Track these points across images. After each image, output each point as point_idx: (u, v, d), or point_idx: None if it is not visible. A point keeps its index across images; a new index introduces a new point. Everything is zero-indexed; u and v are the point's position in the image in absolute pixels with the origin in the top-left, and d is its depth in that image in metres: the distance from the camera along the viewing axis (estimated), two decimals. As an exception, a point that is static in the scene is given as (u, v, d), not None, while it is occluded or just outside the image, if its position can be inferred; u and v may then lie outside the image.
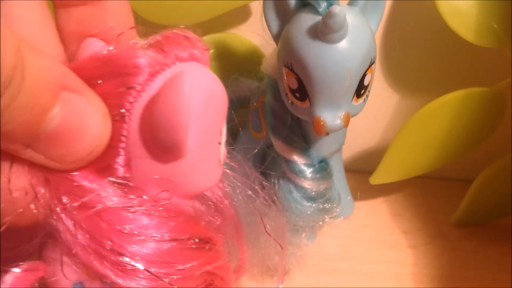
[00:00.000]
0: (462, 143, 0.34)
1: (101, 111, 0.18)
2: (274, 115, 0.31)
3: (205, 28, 0.36)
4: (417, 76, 0.38)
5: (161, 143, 0.18)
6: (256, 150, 0.32)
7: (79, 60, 0.19)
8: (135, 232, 0.18)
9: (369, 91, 0.29)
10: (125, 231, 0.18)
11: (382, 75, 0.38)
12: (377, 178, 0.36)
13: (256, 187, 0.25)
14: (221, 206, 0.22)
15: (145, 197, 0.19)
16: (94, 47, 0.20)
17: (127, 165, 0.18)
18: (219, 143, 0.20)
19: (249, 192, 0.24)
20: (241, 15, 0.37)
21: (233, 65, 0.36)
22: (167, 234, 0.19)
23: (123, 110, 0.18)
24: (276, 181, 0.32)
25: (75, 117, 0.17)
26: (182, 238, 0.19)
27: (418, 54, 0.38)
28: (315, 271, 0.33)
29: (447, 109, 0.33)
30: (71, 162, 0.18)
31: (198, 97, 0.18)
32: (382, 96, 0.39)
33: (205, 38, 0.36)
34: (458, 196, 0.36)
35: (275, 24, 0.29)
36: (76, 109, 0.17)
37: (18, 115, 0.15)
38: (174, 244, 0.19)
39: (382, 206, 0.38)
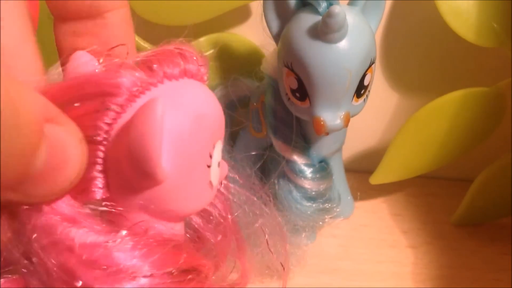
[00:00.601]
0: (462, 143, 0.34)
1: (78, 138, 0.17)
2: (274, 115, 0.31)
3: (205, 28, 0.36)
4: (417, 76, 0.39)
5: (136, 169, 0.17)
6: (256, 150, 0.32)
7: (58, 84, 0.18)
8: (111, 270, 0.17)
9: (369, 91, 0.29)
10: (99, 269, 0.17)
11: (382, 75, 0.38)
12: (377, 178, 0.36)
13: (256, 187, 0.25)
14: (222, 220, 0.22)
15: (123, 232, 0.18)
16: (82, 61, 0.19)
17: (106, 187, 0.18)
18: (208, 166, 0.19)
19: (248, 193, 0.24)
20: (241, 15, 0.37)
21: (233, 65, 0.36)
22: (147, 269, 0.17)
23: (100, 132, 0.17)
24: (276, 181, 0.32)
25: (58, 151, 0.16)
26: (164, 271, 0.18)
27: (418, 54, 0.38)
28: (315, 270, 0.33)
29: (447, 109, 0.33)
30: (51, 195, 0.17)
31: (176, 123, 0.18)
32: (382, 96, 0.39)
33: (205, 38, 0.36)
34: (458, 196, 0.36)
35: (275, 24, 0.29)
36: (58, 141, 0.16)
37: (8, 160, 0.14)
38: (156, 280, 0.18)
39: (382, 206, 0.38)
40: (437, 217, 0.37)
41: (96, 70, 0.19)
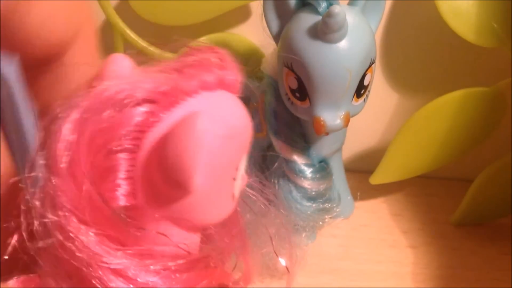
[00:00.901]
0: (462, 143, 0.34)
1: None
2: (274, 115, 0.31)
3: (205, 28, 0.36)
4: (417, 76, 0.38)
5: (168, 180, 0.17)
6: (256, 150, 0.32)
7: (98, 89, 0.18)
8: None
9: (369, 91, 0.29)
10: None
11: (382, 75, 0.38)
12: (377, 178, 0.36)
13: (257, 187, 0.25)
14: (229, 220, 0.22)
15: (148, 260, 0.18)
16: (121, 64, 0.19)
17: (132, 194, 0.18)
18: (234, 179, 0.20)
19: (250, 193, 0.24)
20: (241, 15, 0.37)
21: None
22: None
23: (130, 139, 0.17)
24: (276, 181, 0.32)
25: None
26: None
27: (418, 54, 0.38)
28: (315, 270, 0.32)
29: (447, 109, 0.33)
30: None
31: (213, 138, 0.18)
32: (382, 96, 0.39)
33: (205, 38, 0.36)
34: (458, 196, 0.36)
35: (275, 24, 0.29)
36: None
37: None
38: None
39: (382, 206, 0.38)
40: (437, 217, 0.37)
41: (134, 75, 0.19)
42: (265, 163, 0.32)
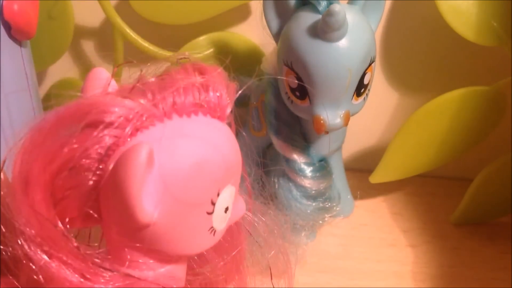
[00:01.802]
0: (462, 142, 0.34)
1: None
2: (274, 114, 0.31)
3: (205, 27, 0.36)
4: (417, 75, 0.39)
5: (120, 210, 0.17)
6: (256, 150, 0.32)
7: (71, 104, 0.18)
8: None
9: (369, 89, 0.29)
10: None
11: (382, 73, 0.38)
12: (377, 177, 0.36)
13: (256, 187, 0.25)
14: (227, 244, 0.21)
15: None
16: (100, 78, 0.19)
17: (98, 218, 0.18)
18: (209, 213, 0.18)
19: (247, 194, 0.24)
20: (241, 14, 0.37)
21: (232, 64, 0.36)
22: None
23: (94, 162, 0.17)
24: (276, 180, 0.32)
25: None
26: None
27: (418, 53, 0.38)
28: (315, 269, 0.32)
29: (447, 108, 0.33)
30: None
31: (171, 168, 0.17)
32: (382, 95, 0.39)
33: (204, 37, 0.36)
34: (458, 195, 0.36)
35: (275, 23, 0.29)
36: None
37: None
38: None
39: (382, 205, 0.38)
40: (437, 216, 0.37)
41: (109, 94, 0.18)
42: (264, 162, 0.32)
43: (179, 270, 0.20)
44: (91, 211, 0.17)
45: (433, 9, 0.32)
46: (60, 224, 0.17)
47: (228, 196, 0.19)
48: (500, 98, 0.33)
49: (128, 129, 0.17)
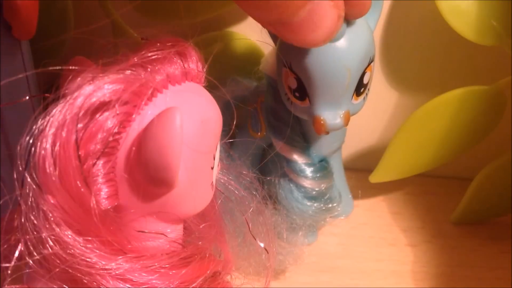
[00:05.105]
0: (461, 141, 0.34)
1: (338, 14, 0.22)
2: (273, 115, 0.31)
3: (203, 26, 0.36)
4: (416, 74, 0.38)
5: (151, 179, 0.17)
6: (255, 150, 0.32)
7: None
8: None
9: (368, 89, 0.29)
10: None
11: (382, 73, 0.38)
12: (377, 176, 0.36)
13: (251, 187, 0.25)
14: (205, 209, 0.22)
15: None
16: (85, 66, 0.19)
17: (113, 196, 0.18)
18: (212, 168, 0.20)
19: (243, 194, 0.24)
20: (240, 14, 0.37)
21: (231, 65, 0.36)
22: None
23: (108, 142, 0.17)
24: (276, 181, 0.32)
25: (317, 14, 0.21)
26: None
27: (417, 52, 0.38)
28: (315, 269, 0.33)
29: (446, 108, 0.33)
30: (299, 42, 0.22)
31: (191, 130, 0.18)
32: (382, 95, 0.39)
33: (203, 37, 0.36)
34: (457, 195, 0.36)
35: (274, 23, 0.29)
36: (320, 9, 0.21)
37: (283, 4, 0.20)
38: None
39: (382, 204, 0.38)
40: (437, 215, 0.37)
41: (99, 76, 0.18)
42: (264, 163, 0.32)
43: (180, 233, 0.21)
44: (102, 193, 0.18)
45: (433, 8, 0.32)
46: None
47: (219, 151, 0.21)
48: (500, 98, 0.33)
49: (134, 104, 0.17)
